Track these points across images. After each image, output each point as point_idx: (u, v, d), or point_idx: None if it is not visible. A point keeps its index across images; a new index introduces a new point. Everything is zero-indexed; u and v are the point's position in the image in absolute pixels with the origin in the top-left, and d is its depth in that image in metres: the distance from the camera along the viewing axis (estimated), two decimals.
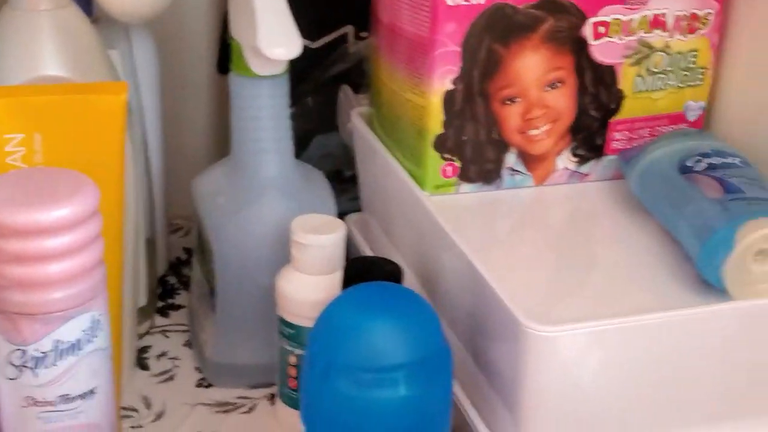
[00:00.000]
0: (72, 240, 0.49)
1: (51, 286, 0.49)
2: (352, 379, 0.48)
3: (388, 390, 0.48)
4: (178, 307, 0.79)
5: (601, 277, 0.59)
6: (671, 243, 0.60)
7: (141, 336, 0.75)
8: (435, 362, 0.50)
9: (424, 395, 0.49)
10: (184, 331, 0.76)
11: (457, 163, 0.64)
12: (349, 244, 0.71)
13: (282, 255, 0.65)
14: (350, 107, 0.76)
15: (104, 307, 0.52)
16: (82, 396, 0.52)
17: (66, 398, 0.52)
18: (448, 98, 0.63)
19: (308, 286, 0.63)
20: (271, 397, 0.69)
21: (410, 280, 0.64)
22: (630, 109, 0.66)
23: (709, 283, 0.55)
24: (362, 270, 0.58)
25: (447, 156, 0.64)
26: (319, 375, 0.49)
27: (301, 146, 0.81)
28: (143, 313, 0.75)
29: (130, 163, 0.64)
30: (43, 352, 0.50)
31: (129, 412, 0.67)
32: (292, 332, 0.64)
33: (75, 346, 0.51)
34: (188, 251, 0.85)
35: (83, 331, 0.51)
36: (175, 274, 0.83)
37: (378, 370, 0.48)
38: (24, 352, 0.50)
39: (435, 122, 0.63)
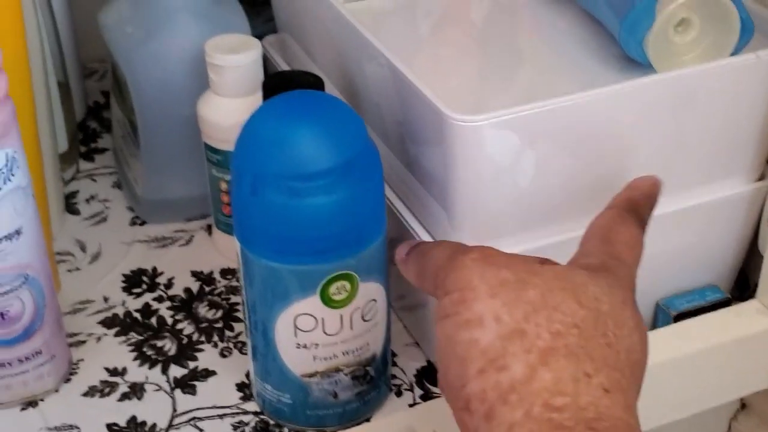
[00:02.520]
0: None
1: None
2: (282, 189, 0.48)
3: (319, 196, 0.48)
4: (102, 151, 0.77)
5: (526, 69, 0.58)
6: (594, 26, 0.59)
7: (67, 182, 0.73)
8: (362, 164, 0.49)
9: (355, 197, 0.49)
10: (111, 173, 0.74)
11: None
12: (269, 67, 0.69)
13: (200, 81, 0.63)
14: None
15: (18, 143, 0.50)
16: (8, 237, 0.51)
17: None
18: None
19: (230, 109, 0.61)
20: (208, 228, 0.69)
21: (333, 94, 0.63)
22: None
23: (634, 61, 0.54)
24: (281, 84, 0.56)
25: None
26: (248, 189, 0.49)
27: None
28: (67, 159, 0.73)
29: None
30: None
31: (64, 257, 0.66)
32: (219, 158, 0.62)
33: None
34: (106, 94, 0.83)
35: None
36: (95, 118, 0.81)
37: (306, 177, 0.47)
38: None
39: None
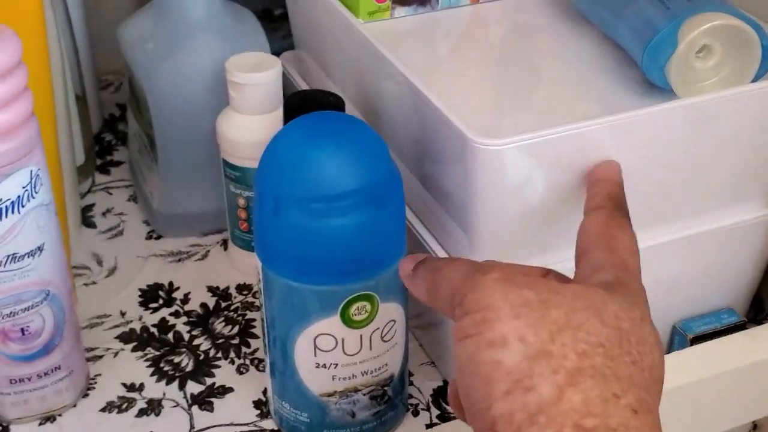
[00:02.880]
0: None
1: None
2: (304, 210, 0.48)
3: (341, 217, 0.48)
4: (117, 164, 0.77)
5: (545, 91, 0.58)
6: (614, 50, 0.59)
7: (83, 195, 0.73)
8: (385, 186, 0.49)
9: (377, 219, 0.49)
10: (127, 187, 0.75)
11: None
12: (286, 83, 0.69)
13: (219, 98, 0.63)
14: None
15: (42, 161, 0.51)
16: (31, 253, 0.51)
17: (14, 257, 0.51)
18: None
19: (249, 127, 0.62)
20: (224, 243, 0.69)
21: (351, 113, 0.63)
22: None
23: (654, 85, 0.55)
24: (302, 104, 0.57)
25: None
26: (270, 209, 0.49)
27: None
28: (83, 172, 0.74)
29: (49, 14, 0.61)
30: None
31: (81, 270, 0.67)
32: (237, 174, 0.63)
33: (17, 203, 0.49)
34: (121, 107, 0.83)
35: (23, 187, 0.49)
36: (110, 131, 0.81)
37: (329, 199, 0.48)
38: None
39: None
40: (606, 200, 0.45)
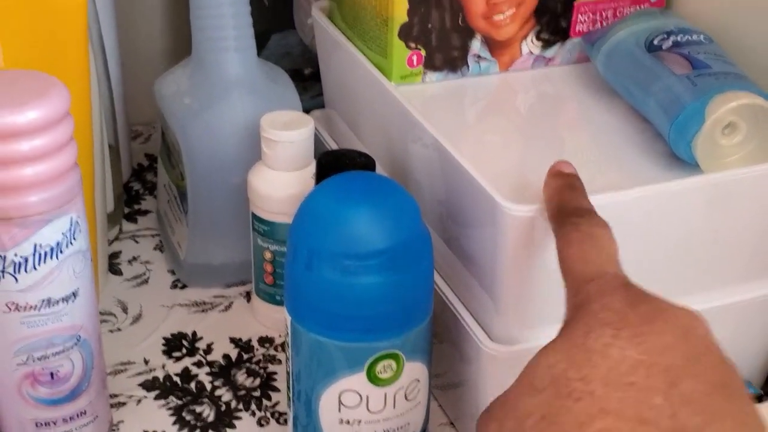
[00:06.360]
0: (46, 142, 0.49)
1: (27, 190, 0.49)
2: (336, 266, 0.49)
3: (371, 275, 0.49)
4: (145, 213, 0.78)
5: (571, 161, 0.59)
6: (640, 122, 0.60)
7: (111, 242, 0.74)
8: (415, 247, 0.50)
9: (406, 279, 0.50)
10: (153, 236, 0.76)
11: (423, 52, 0.64)
12: (315, 141, 0.71)
13: (251, 153, 0.65)
14: (308, 3, 0.75)
15: (82, 209, 0.52)
16: (65, 299, 0.52)
17: (49, 302, 0.52)
18: None
19: (281, 182, 0.63)
20: (247, 295, 0.70)
21: (379, 173, 0.64)
22: None
23: (679, 159, 0.56)
24: (335, 162, 0.58)
25: (412, 45, 0.64)
26: (303, 264, 0.50)
27: (259, 46, 0.79)
28: (111, 220, 0.75)
29: (92, 65, 0.63)
30: (23, 257, 0.50)
31: (106, 317, 0.68)
32: (266, 228, 0.64)
33: (56, 249, 0.51)
34: (150, 157, 0.85)
35: (63, 233, 0.51)
36: (138, 180, 0.82)
37: (361, 257, 0.49)
38: (4, 258, 0.50)
39: (400, 10, 0.62)
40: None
